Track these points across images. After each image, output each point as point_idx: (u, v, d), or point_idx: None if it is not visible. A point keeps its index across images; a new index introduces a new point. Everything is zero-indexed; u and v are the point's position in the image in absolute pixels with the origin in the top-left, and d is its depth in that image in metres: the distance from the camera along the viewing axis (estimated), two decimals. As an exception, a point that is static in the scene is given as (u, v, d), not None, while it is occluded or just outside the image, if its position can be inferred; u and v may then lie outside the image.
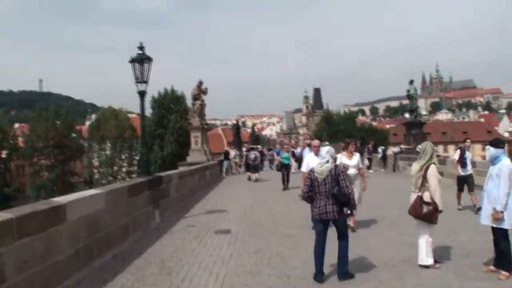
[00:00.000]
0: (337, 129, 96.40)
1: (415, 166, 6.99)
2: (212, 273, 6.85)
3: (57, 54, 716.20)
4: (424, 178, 6.77)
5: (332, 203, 6.33)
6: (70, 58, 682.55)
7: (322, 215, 6.39)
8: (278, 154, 25.91)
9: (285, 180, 19.17)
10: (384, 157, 30.54)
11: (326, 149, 6.78)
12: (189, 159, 28.02)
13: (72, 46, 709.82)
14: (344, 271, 6.39)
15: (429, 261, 6.74)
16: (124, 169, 73.17)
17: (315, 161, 9.72)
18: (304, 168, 10.51)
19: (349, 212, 6.51)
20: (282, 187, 18.90)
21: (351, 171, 9.75)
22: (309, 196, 6.65)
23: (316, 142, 11.31)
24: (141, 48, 10.98)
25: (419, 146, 7.41)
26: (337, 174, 6.43)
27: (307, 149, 19.77)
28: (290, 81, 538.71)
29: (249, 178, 24.79)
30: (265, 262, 7.39)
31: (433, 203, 6.68)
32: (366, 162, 27.48)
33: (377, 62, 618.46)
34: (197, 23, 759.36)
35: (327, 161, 6.58)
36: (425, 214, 6.67)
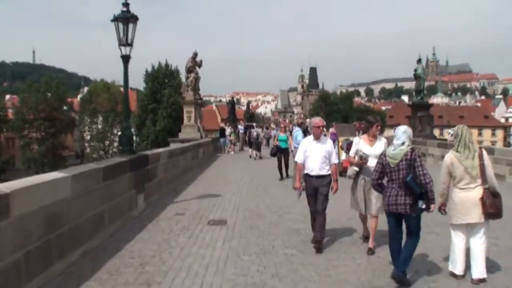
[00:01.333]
0: (333, 109, 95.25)
1: (465, 161, 5.36)
2: (204, 284, 5.34)
3: (51, 26, 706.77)
4: (482, 168, 5.34)
5: (405, 194, 5.27)
6: (64, 30, 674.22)
7: (391, 206, 5.39)
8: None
9: (282, 167, 15.61)
10: None
11: (403, 129, 5.62)
12: (181, 135, 26.42)
13: (66, 19, 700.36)
14: (401, 270, 5.22)
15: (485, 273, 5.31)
16: (115, 144, 71.39)
17: (314, 148, 7.11)
18: (299, 157, 7.30)
19: (424, 206, 5.25)
20: (279, 177, 15.41)
21: (374, 164, 6.48)
22: (380, 184, 5.69)
23: (318, 120, 7.33)
24: (125, 4, 9.28)
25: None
26: (413, 159, 5.33)
27: (297, 130, 14.39)
28: (285, 59, 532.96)
29: (251, 156, 24.82)
30: (271, 270, 5.85)
31: (499, 194, 5.40)
32: None
33: (373, 43, 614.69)
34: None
35: (403, 143, 5.44)
36: (500, 208, 5.37)
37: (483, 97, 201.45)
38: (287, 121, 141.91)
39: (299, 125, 14.64)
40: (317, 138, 7.16)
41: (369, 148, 6.97)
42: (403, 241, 5.48)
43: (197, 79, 27.08)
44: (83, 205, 6.44)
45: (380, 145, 6.94)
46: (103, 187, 7.26)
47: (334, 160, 7.20)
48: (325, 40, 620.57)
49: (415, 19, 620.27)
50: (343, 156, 11.93)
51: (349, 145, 7.85)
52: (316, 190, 7.04)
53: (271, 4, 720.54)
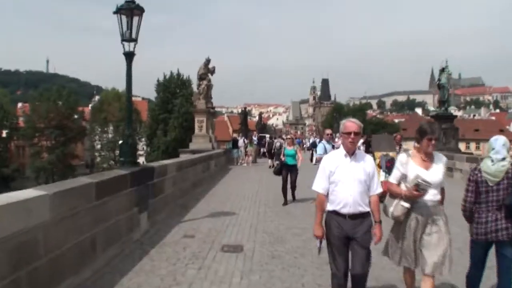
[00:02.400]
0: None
1: None
2: None
3: (64, 35, 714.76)
4: None
5: (505, 217, 4.36)
6: (77, 39, 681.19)
7: (491, 235, 4.41)
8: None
9: (289, 188, 12.47)
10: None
11: (502, 141, 4.44)
12: (192, 146, 25.26)
13: (80, 28, 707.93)
14: None
15: None
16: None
17: (347, 168, 4.31)
18: (321, 184, 4.42)
19: None
20: (283, 201, 12.28)
21: (431, 197, 4.39)
22: (472, 210, 4.65)
23: (350, 123, 4.36)
24: (129, -6, 8.09)
25: None
26: None
27: (324, 143, 11.36)
28: (296, 71, 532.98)
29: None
30: (304, 321, 4.57)
31: None
32: None
33: (385, 56, 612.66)
34: (204, 8, 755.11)
35: (503, 158, 4.40)
36: None
37: (497, 110, 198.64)
38: (298, 132, 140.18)
39: (330, 137, 11.54)
40: (349, 152, 4.36)
41: (425, 172, 4.39)
42: None
43: (209, 87, 25.94)
44: (68, 229, 5.17)
45: (439, 169, 4.47)
46: (95, 206, 5.97)
47: (377, 188, 4.42)
48: (336, 51, 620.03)
49: (426, 31, 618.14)
50: (382, 176, 9.42)
51: (389, 162, 6.41)
52: (349, 239, 4.30)
53: (283, 17, 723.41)
